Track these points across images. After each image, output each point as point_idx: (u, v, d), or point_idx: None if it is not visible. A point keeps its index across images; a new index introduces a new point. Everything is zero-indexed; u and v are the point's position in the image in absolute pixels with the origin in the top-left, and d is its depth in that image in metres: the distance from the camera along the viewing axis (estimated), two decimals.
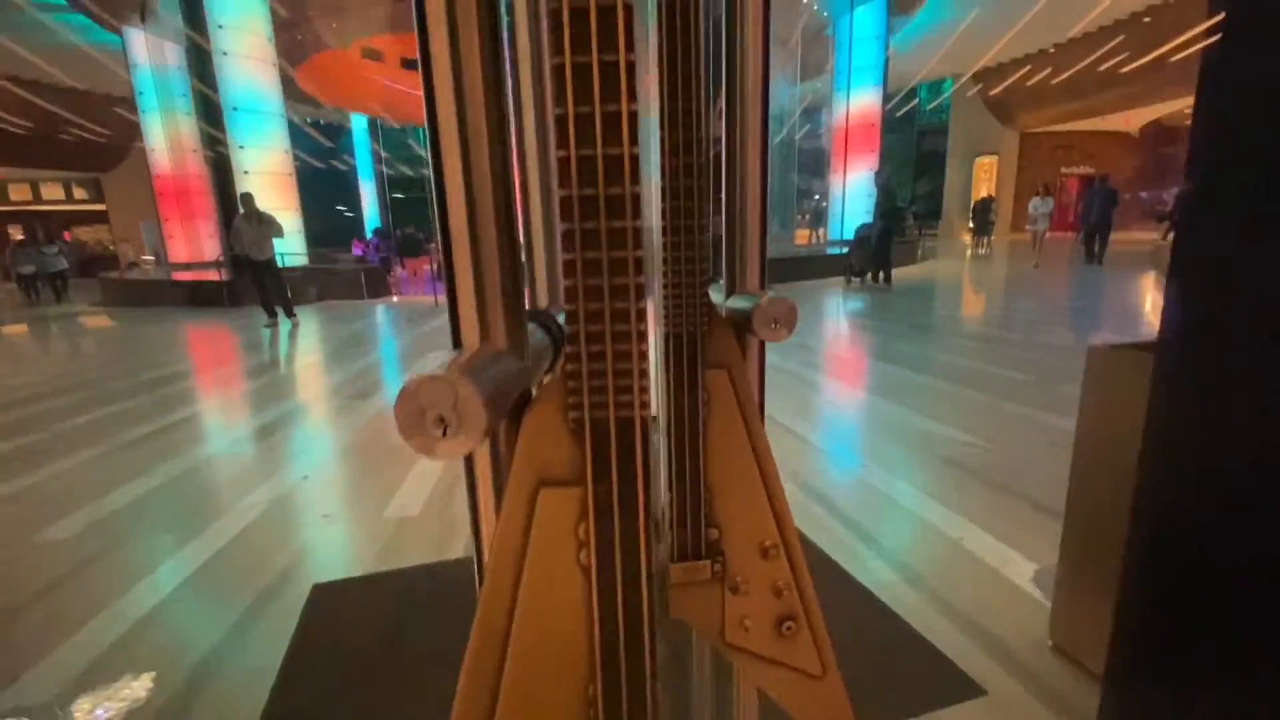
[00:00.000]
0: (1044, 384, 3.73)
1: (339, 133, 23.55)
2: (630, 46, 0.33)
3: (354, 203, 23.11)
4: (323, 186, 20.24)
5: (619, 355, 0.37)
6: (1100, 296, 7.59)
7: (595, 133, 0.34)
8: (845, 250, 9.83)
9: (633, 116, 0.33)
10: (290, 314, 7.25)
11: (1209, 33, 0.95)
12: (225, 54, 9.81)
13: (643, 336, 0.37)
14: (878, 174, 9.32)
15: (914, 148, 25.26)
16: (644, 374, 0.38)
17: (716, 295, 0.71)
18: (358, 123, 22.43)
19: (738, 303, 0.66)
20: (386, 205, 23.51)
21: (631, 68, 0.33)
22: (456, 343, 0.43)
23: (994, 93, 23.18)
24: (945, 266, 12.51)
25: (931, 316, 6.65)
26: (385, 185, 23.44)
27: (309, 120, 22.48)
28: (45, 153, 19.57)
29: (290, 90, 16.30)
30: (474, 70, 0.38)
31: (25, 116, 17.72)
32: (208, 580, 1.93)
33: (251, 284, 7.24)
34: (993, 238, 19.23)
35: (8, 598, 1.84)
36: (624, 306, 0.36)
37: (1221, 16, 0.77)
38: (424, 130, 0.40)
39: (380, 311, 8.81)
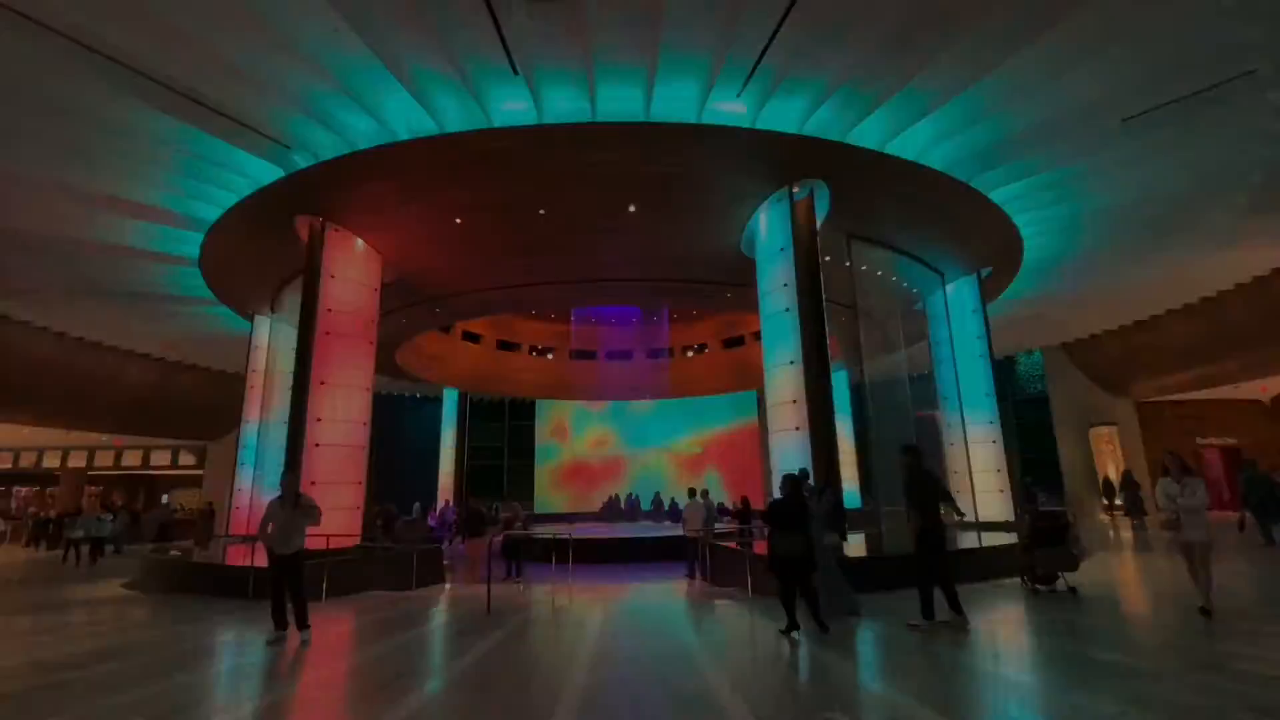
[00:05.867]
0: None
1: (428, 403, 24.66)
2: None
3: (431, 468, 22.93)
4: (399, 453, 20.15)
5: None
6: None
7: None
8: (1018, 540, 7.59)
9: None
10: (302, 625, 5.64)
11: None
12: (328, 334, 10.09)
13: None
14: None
15: (1012, 417, 23.66)
16: None
17: None
18: (449, 395, 23.30)
19: None
20: (464, 473, 23.08)
21: None
22: None
23: (1090, 364, 21.99)
24: (1122, 564, 9.76)
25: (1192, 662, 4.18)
26: (465, 453, 23.26)
27: (406, 394, 23.83)
28: (163, 423, 21.05)
29: (388, 366, 17.26)
30: None
31: (150, 389, 19.41)
32: None
33: (270, 581, 5.82)
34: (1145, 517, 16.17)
35: None
36: None
37: None
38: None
39: (424, 618, 7.07)
